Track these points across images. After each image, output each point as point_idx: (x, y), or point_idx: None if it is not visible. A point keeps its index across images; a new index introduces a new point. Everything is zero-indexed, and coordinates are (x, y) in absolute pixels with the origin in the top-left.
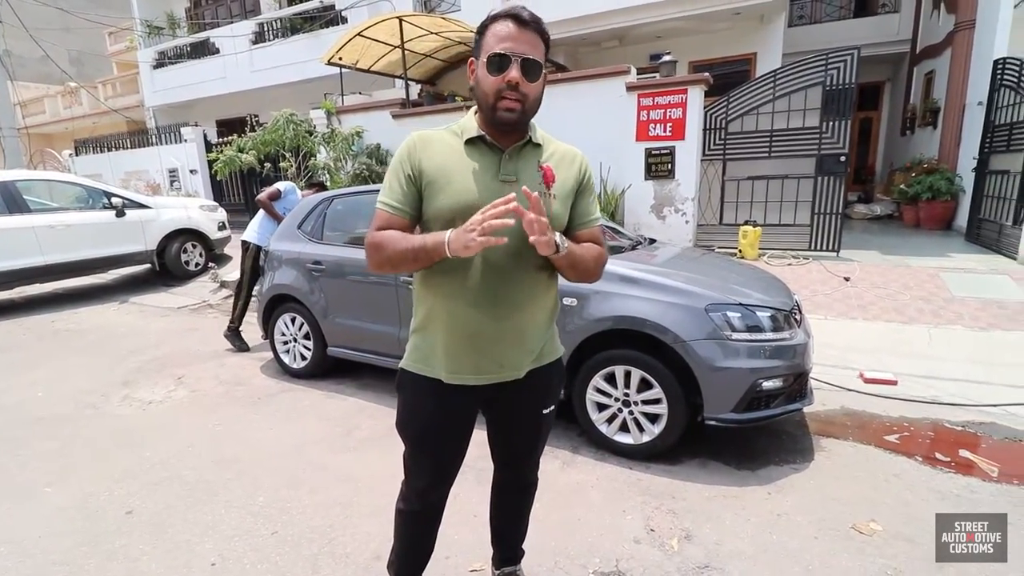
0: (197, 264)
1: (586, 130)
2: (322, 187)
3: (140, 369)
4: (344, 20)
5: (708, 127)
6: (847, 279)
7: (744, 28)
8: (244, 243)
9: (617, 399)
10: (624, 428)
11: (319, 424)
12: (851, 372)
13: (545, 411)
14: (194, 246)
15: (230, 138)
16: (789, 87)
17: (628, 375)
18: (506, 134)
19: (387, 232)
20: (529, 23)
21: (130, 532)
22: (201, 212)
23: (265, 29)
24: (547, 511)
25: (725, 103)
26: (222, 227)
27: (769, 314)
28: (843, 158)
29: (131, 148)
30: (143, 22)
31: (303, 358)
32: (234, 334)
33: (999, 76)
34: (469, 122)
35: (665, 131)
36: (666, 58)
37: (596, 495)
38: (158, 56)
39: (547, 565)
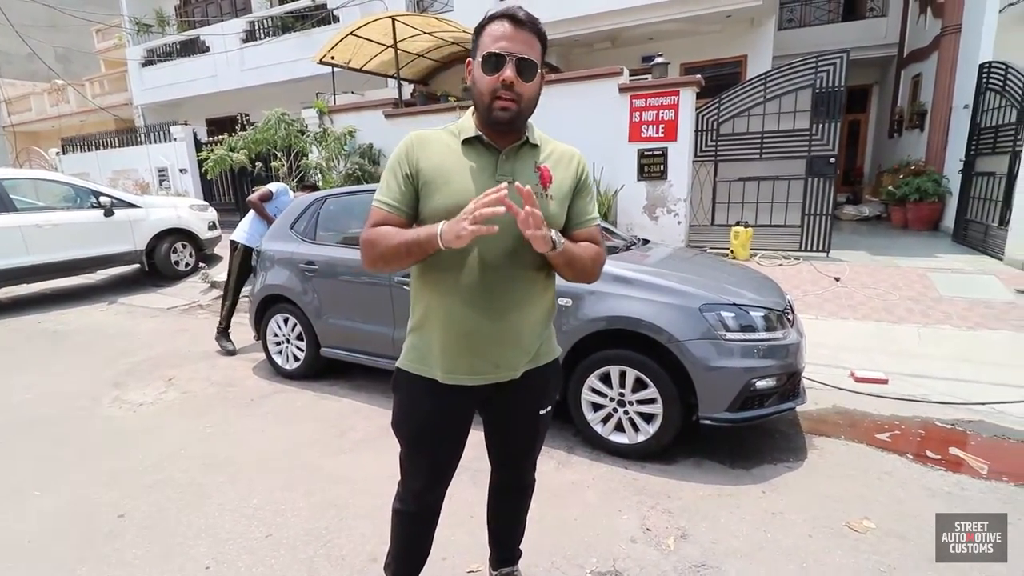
0: (187, 264)
1: (579, 131)
2: (315, 188)
3: (130, 370)
4: (336, 19)
5: (700, 128)
6: (837, 279)
7: (735, 31)
8: (232, 243)
9: (612, 399)
10: (619, 428)
11: (313, 425)
12: (842, 371)
13: (542, 412)
14: (184, 246)
15: (221, 137)
16: (780, 89)
17: (623, 375)
18: (503, 134)
19: (381, 228)
20: (525, 23)
21: (122, 535)
22: (191, 212)
23: (256, 27)
24: (543, 511)
25: (717, 105)
26: (212, 227)
27: (762, 314)
28: (833, 160)
29: (119, 147)
30: (132, 19)
31: (296, 359)
32: (222, 334)
33: (985, 80)
34: (467, 122)
35: (657, 132)
36: (658, 60)
37: (592, 495)
38: (147, 54)
39: (544, 565)
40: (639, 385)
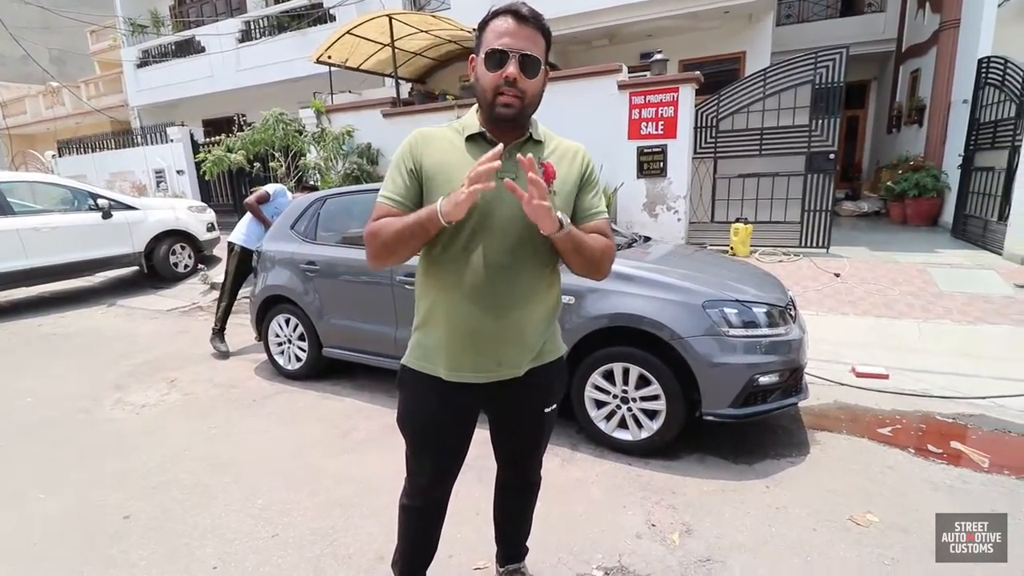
0: (186, 266)
1: (578, 128)
2: (313, 190)
3: (131, 373)
4: (332, 18)
5: (699, 125)
6: (837, 275)
7: (733, 27)
8: (230, 244)
9: (615, 396)
10: (623, 425)
11: (316, 426)
12: (843, 366)
13: (547, 410)
14: (183, 247)
15: (218, 138)
16: (779, 85)
17: (626, 372)
18: (506, 131)
19: (382, 219)
20: (528, 19)
21: (128, 536)
22: (189, 213)
23: (251, 27)
24: (548, 508)
25: (716, 101)
26: (211, 228)
27: (765, 310)
28: (832, 155)
29: (116, 148)
30: (126, 20)
31: (298, 359)
32: (217, 335)
33: (983, 75)
34: (471, 119)
35: (657, 129)
36: (657, 56)
37: (596, 491)
38: (142, 55)
39: (550, 562)
40: (642, 382)
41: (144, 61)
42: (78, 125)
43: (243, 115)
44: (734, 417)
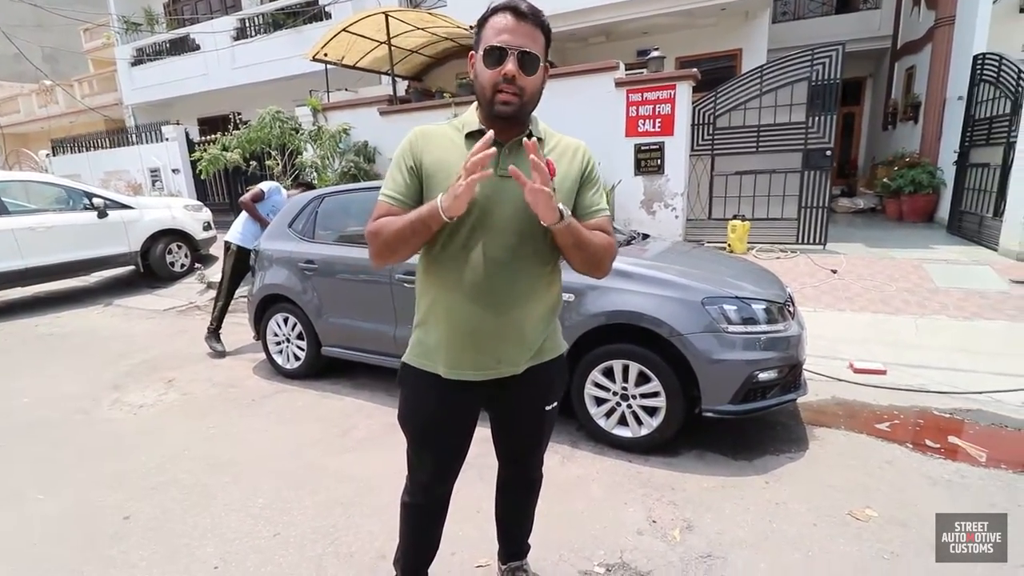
0: (183, 265)
1: (575, 126)
2: (309, 186)
3: (129, 373)
4: (328, 16)
5: (696, 122)
6: (834, 271)
7: (729, 24)
8: (226, 244)
9: (615, 393)
10: (623, 422)
11: (316, 425)
12: (841, 362)
13: (547, 408)
14: (179, 247)
15: (214, 136)
16: (776, 82)
17: (626, 369)
18: (506, 128)
19: (383, 218)
20: (528, 15)
21: (128, 537)
22: (185, 212)
23: (247, 25)
24: (549, 505)
25: (713, 98)
26: (207, 227)
27: (764, 306)
28: (829, 152)
29: (110, 147)
30: (120, 18)
31: (296, 358)
32: (212, 335)
33: (979, 71)
34: (470, 116)
35: (654, 127)
36: (654, 54)
37: (597, 488)
38: (136, 53)
39: (552, 559)
40: (642, 379)
41: (138, 59)
42: (72, 124)
43: (239, 113)
44: (734, 413)
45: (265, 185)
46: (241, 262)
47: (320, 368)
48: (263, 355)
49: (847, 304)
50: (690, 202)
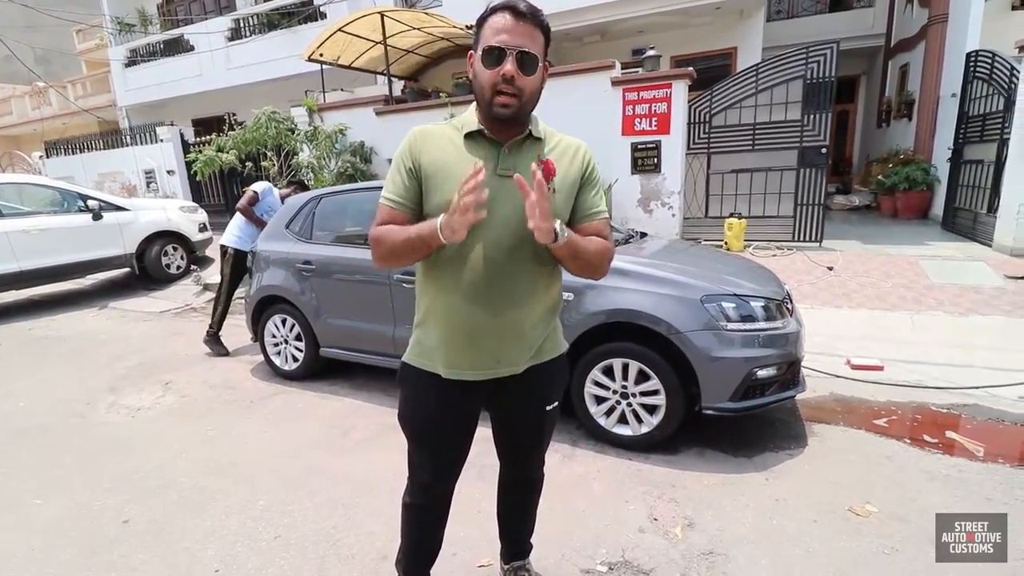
0: (178, 267)
1: (572, 125)
2: (301, 185)
3: (126, 376)
4: (323, 16)
5: (692, 121)
6: (831, 268)
7: (724, 23)
8: (223, 247)
9: (615, 391)
10: (623, 420)
11: (315, 426)
12: (838, 359)
13: (548, 407)
14: (175, 248)
15: (209, 137)
16: (771, 81)
17: (626, 368)
18: (505, 128)
19: (386, 226)
20: (526, 15)
21: (128, 541)
22: (181, 214)
23: (241, 25)
24: (550, 504)
25: (709, 97)
26: (203, 228)
27: (762, 304)
28: (824, 150)
29: (104, 149)
30: (113, 19)
31: (295, 360)
32: (213, 339)
33: (972, 68)
34: (470, 116)
35: (650, 125)
36: (650, 53)
37: (598, 487)
38: (130, 54)
39: (554, 558)
40: (641, 377)
41: (132, 60)
42: (65, 125)
43: (234, 114)
44: (733, 411)
45: (258, 186)
46: (239, 265)
47: (318, 369)
48: (261, 357)
49: (844, 301)
50: (687, 200)
